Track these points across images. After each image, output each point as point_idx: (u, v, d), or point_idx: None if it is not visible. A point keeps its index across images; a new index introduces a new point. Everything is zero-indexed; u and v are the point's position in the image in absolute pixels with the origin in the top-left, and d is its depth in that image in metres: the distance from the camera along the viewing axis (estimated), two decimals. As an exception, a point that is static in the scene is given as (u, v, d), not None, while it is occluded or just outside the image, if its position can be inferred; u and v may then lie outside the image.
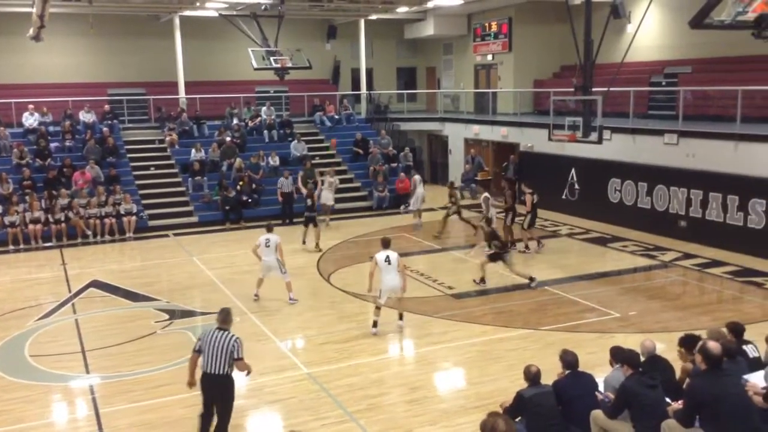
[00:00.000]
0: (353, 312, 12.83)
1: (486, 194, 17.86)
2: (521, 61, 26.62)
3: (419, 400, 9.03)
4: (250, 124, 25.47)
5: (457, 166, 26.93)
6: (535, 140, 22.38)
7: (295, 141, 24.83)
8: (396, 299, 11.67)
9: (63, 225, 19.07)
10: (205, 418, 7.63)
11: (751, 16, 13.05)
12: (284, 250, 13.59)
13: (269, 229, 13.59)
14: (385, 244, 11.66)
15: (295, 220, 21.00)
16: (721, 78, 19.56)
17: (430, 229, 19.55)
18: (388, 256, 11.34)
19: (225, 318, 7.72)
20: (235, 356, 7.44)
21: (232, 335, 7.53)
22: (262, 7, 22.37)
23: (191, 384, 7.75)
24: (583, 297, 13.16)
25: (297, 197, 21.08)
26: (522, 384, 7.27)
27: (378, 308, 11.49)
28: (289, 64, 22.08)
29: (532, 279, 13.93)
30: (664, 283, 14.35)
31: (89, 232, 19.21)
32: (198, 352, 7.55)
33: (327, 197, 20.40)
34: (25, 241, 18.74)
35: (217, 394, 7.55)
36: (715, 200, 16.63)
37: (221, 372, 7.42)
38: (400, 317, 11.73)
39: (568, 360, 7.37)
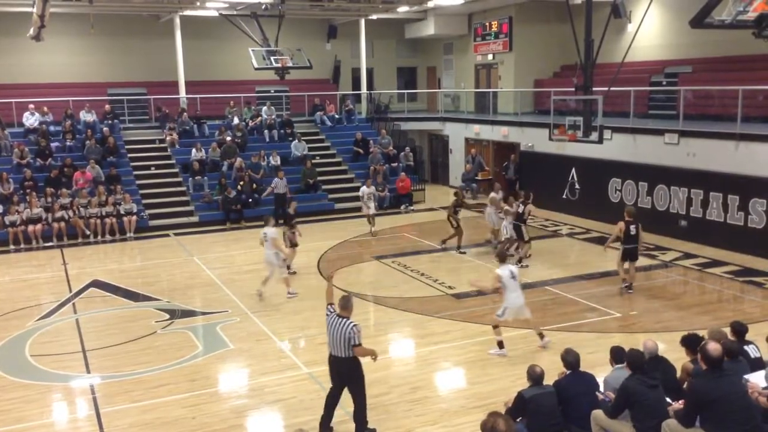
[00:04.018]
0: (354, 312, 12.78)
1: (489, 209, 17.04)
2: (522, 60, 26.61)
3: (420, 400, 9.03)
4: (251, 123, 25.48)
5: (457, 165, 26.94)
6: (535, 140, 22.38)
7: (296, 141, 24.84)
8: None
9: (63, 225, 19.08)
10: (331, 394, 8.04)
11: (751, 15, 13.09)
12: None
13: (267, 223, 13.57)
14: (502, 258, 10.77)
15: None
16: (722, 77, 19.54)
17: (429, 230, 19.53)
18: (512, 272, 10.47)
19: (345, 305, 7.96)
20: (353, 343, 7.69)
21: (350, 322, 7.75)
22: (263, 7, 22.38)
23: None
24: (583, 297, 13.16)
25: (290, 198, 21.09)
26: (522, 384, 7.27)
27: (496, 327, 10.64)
28: (290, 64, 22.07)
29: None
30: (664, 283, 14.35)
31: (88, 232, 19.20)
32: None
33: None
34: (26, 241, 18.75)
35: (344, 374, 7.89)
36: (715, 200, 16.63)
37: (343, 355, 7.76)
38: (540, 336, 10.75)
39: (570, 360, 7.38)
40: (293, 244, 15.23)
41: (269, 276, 13.47)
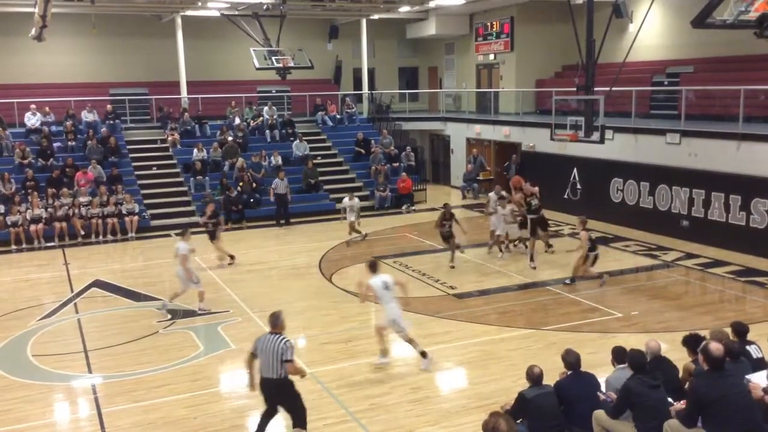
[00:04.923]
0: (355, 312, 12.82)
1: (492, 214, 16.52)
2: (523, 60, 26.60)
3: (421, 400, 9.03)
4: (252, 123, 25.48)
5: (459, 165, 26.93)
6: (536, 140, 22.38)
7: (297, 141, 24.85)
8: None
9: (65, 225, 19.09)
10: (264, 416, 7.76)
11: (753, 15, 13.07)
12: (282, 249, 13.55)
13: (182, 235, 13.19)
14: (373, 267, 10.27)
15: (291, 220, 20.99)
16: (724, 77, 19.52)
17: (430, 230, 19.50)
18: (385, 282, 10.00)
19: (275, 322, 7.71)
20: (285, 358, 7.43)
21: (283, 338, 7.53)
22: (264, 7, 22.39)
23: (252, 388, 7.81)
24: (585, 297, 13.15)
25: (291, 198, 21.13)
26: (524, 384, 7.26)
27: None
28: (291, 64, 22.07)
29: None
30: (666, 283, 14.33)
31: (83, 233, 19.13)
32: (254, 355, 7.61)
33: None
34: (28, 241, 18.76)
35: (276, 395, 7.62)
36: (717, 200, 16.61)
37: (275, 376, 7.45)
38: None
39: (571, 360, 7.37)
40: (213, 237, 16.04)
41: (179, 292, 12.88)
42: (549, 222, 16.71)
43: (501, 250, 16.52)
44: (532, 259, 15.33)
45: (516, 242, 17.04)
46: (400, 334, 10.06)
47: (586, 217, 14.57)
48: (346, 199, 18.78)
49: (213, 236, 16.23)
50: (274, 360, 7.40)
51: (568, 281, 13.98)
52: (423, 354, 10.00)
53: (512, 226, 16.39)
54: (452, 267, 15.45)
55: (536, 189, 16.14)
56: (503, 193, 16.97)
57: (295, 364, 7.58)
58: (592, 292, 13.43)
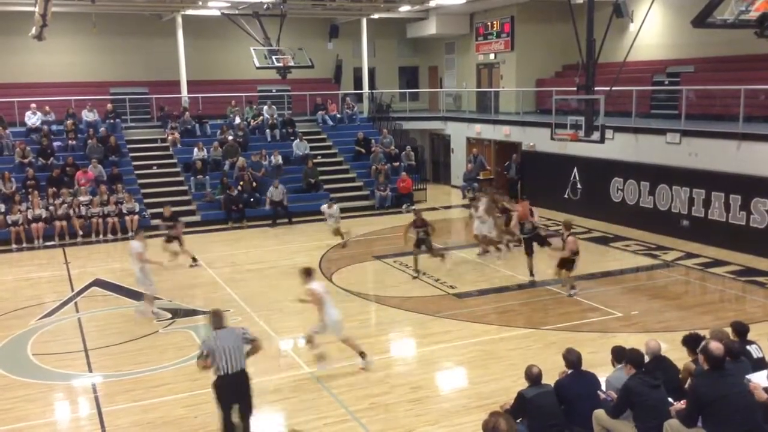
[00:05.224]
0: (355, 311, 12.83)
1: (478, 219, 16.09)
2: (523, 60, 26.58)
3: (421, 400, 9.03)
4: (253, 123, 25.49)
5: (459, 165, 26.91)
6: (537, 139, 22.37)
7: (297, 140, 24.85)
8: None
9: (65, 224, 19.09)
10: (227, 424, 7.54)
11: (753, 15, 13.05)
12: (282, 249, 13.53)
13: (135, 235, 13.11)
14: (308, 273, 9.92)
15: (293, 219, 20.94)
16: (724, 77, 19.50)
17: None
18: (325, 286, 9.93)
19: (219, 319, 7.66)
20: (249, 337, 7.55)
21: (236, 327, 7.69)
22: (265, 6, 22.38)
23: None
24: (585, 296, 13.14)
25: (287, 204, 21.12)
26: (524, 383, 7.27)
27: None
28: (291, 63, 22.06)
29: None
30: (666, 283, 14.33)
31: (81, 233, 19.13)
32: (206, 357, 7.45)
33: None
34: (28, 240, 18.77)
35: (239, 392, 7.55)
36: (717, 200, 16.60)
37: (241, 368, 7.46)
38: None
39: (571, 359, 7.37)
40: (171, 239, 16.09)
41: (149, 293, 12.69)
42: (546, 238, 15.03)
43: (498, 249, 16.36)
44: (531, 274, 14.49)
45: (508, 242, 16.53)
46: (339, 337, 9.96)
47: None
48: (324, 207, 18.29)
49: (171, 239, 16.23)
50: (237, 352, 7.43)
51: (571, 293, 13.23)
52: (362, 354, 9.97)
53: (489, 227, 15.95)
54: (415, 277, 14.69)
55: (535, 218, 15.17)
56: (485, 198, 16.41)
57: (259, 339, 7.73)
58: (592, 292, 13.43)
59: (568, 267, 13.07)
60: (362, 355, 9.99)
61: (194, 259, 16.35)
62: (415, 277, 14.73)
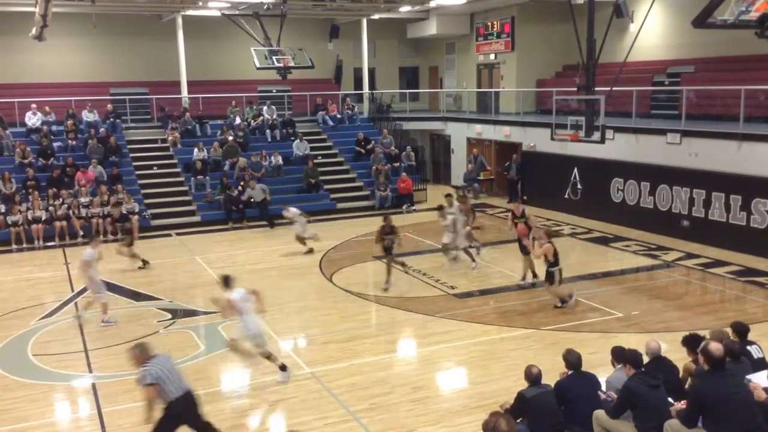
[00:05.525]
0: (356, 311, 12.84)
1: (446, 220, 15.46)
2: (524, 60, 26.59)
3: (422, 400, 9.03)
4: (253, 123, 25.49)
5: (459, 165, 26.93)
6: (537, 140, 22.38)
7: (298, 140, 24.85)
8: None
9: (65, 224, 19.08)
10: None
11: (754, 15, 13.04)
12: (283, 249, 13.51)
13: (90, 242, 12.98)
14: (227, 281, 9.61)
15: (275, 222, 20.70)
16: (724, 77, 19.52)
17: (430, 230, 19.52)
18: (243, 295, 9.48)
19: (146, 350, 7.45)
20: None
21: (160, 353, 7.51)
22: (265, 7, 22.39)
23: (150, 420, 7.28)
24: (585, 297, 13.13)
25: (271, 199, 21.00)
26: (524, 384, 7.27)
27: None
28: (292, 64, 22.08)
29: None
30: (666, 283, 14.33)
31: (81, 233, 19.12)
32: (156, 384, 7.18)
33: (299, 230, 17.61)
34: (28, 241, 18.77)
35: (193, 410, 7.45)
36: (717, 200, 16.60)
37: (189, 387, 7.42)
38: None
39: (572, 360, 7.37)
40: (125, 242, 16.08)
41: (98, 299, 12.47)
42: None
43: (473, 259, 15.51)
44: (534, 275, 14.17)
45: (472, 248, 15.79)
46: (259, 349, 9.54)
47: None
48: (284, 211, 17.75)
49: (122, 241, 16.24)
50: (179, 374, 7.39)
51: (563, 305, 12.47)
52: (282, 367, 9.62)
53: (453, 235, 15.22)
54: (386, 289, 13.90)
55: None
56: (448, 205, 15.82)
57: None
58: (592, 293, 13.42)
59: (550, 279, 12.26)
60: (282, 368, 9.62)
61: (144, 262, 16.21)
62: (385, 289, 13.83)
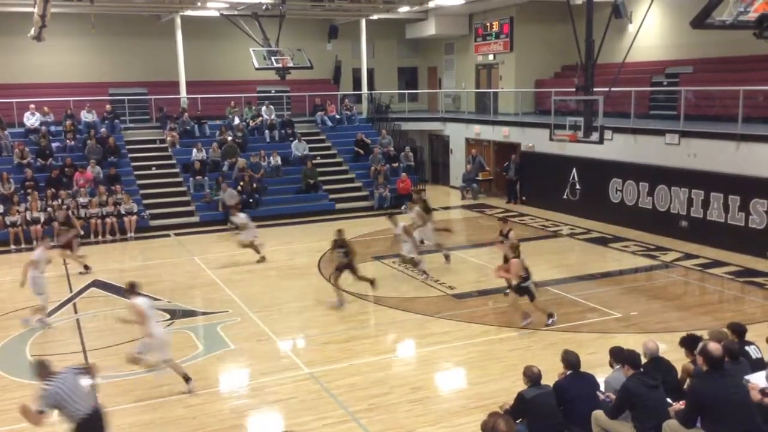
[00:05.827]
0: (355, 312, 12.84)
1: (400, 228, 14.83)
2: (522, 60, 26.60)
3: (421, 400, 9.03)
4: (252, 123, 25.49)
5: (458, 166, 26.93)
6: (536, 140, 22.39)
7: (297, 141, 24.85)
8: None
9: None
10: None
11: (752, 16, 13.04)
12: (282, 249, 13.48)
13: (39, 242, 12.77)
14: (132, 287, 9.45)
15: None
16: (723, 78, 19.54)
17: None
18: (150, 303, 9.31)
19: (46, 367, 7.04)
20: (79, 370, 7.22)
21: (69, 370, 7.18)
22: (264, 7, 22.38)
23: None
24: (584, 297, 13.15)
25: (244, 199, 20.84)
26: (523, 384, 7.27)
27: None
28: (291, 64, 22.06)
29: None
30: (665, 284, 14.34)
31: (81, 233, 19.08)
32: (44, 412, 6.82)
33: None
34: (27, 241, 18.74)
35: (104, 427, 7.12)
36: (716, 200, 16.62)
37: (96, 402, 7.12)
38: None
39: (570, 360, 7.38)
40: (66, 245, 15.90)
41: (41, 304, 12.37)
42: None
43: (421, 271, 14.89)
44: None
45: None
46: (163, 359, 9.33)
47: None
48: (241, 215, 17.08)
49: (63, 244, 16.04)
50: (86, 391, 7.05)
51: (549, 322, 11.62)
52: (186, 378, 9.43)
53: (410, 247, 14.67)
54: (340, 305, 13.04)
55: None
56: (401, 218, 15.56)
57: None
58: (591, 293, 13.44)
59: (520, 293, 11.48)
60: (186, 379, 9.42)
61: (86, 267, 16.00)
62: (340, 306, 13.01)
